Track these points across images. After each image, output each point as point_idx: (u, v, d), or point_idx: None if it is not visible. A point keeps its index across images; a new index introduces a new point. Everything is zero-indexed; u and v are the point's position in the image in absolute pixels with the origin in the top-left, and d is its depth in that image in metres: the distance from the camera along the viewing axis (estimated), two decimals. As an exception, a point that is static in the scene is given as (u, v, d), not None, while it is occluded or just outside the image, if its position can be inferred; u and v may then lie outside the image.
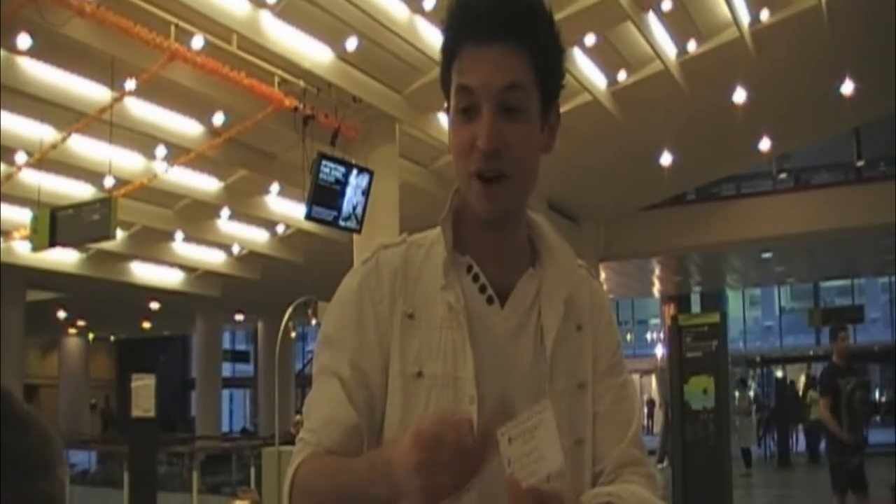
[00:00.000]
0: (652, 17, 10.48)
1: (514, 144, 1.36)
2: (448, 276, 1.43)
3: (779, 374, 28.51)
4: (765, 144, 14.18)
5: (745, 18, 10.90)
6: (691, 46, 11.33)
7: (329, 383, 1.43)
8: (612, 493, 1.39)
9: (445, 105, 1.46)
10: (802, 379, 26.92)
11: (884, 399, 27.67)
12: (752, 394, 25.20)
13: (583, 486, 1.43)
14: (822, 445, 12.13)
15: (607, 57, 11.22)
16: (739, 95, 11.48)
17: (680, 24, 10.95)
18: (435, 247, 1.47)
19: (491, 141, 1.34)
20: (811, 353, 27.57)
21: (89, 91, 9.95)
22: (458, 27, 1.39)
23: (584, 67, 11.03)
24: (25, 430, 0.97)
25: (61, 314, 24.23)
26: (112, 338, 32.39)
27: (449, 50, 1.41)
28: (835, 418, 8.21)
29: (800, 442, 20.71)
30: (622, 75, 11.62)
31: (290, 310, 11.28)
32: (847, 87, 11.75)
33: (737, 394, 21.70)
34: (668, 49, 11.20)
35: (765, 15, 10.99)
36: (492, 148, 1.35)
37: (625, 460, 1.46)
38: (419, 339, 1.43)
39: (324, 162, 10.02)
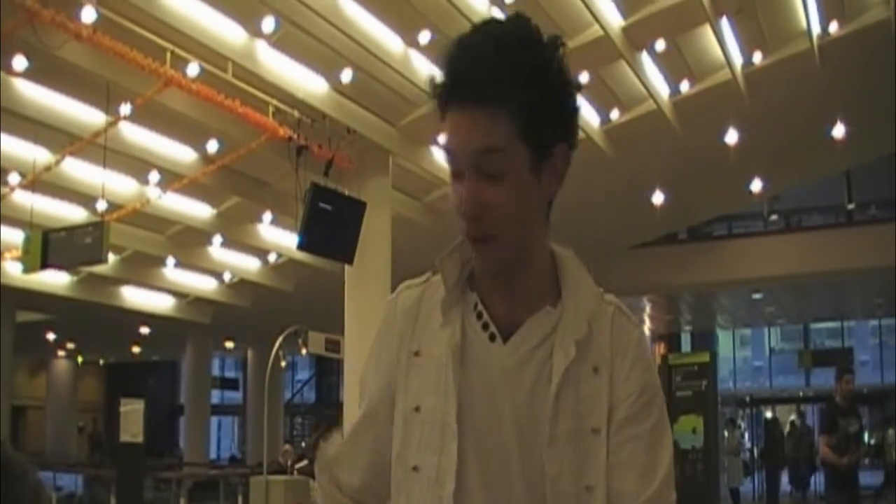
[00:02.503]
0: (645, 57, 10.57)
1: (496, 207, 1.36)
2: (448, 314, 1.45)
3: (768, 414, 28.45)
4: (756, 185, 14.26)
5: (737, 60, 11.01)
6: (684, 87, 11.42)
7: (358, 422, 1.58)
8: None
9: None
10: (792, 418, 26.91)
11: (872, 441, 27.64)
12: (741, 433, 25.13)
13: None
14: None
15: (600, 95, 11.30)
16: (731, 136, 11.55)
17: (673, 65, 11.05)
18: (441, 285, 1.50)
19: (471, 207, 1.36)
20: (801, 394, 27.55)
21: (84, 114, 9.99)
22: (441, 91, 1.39)
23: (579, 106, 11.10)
24: (18, 480, 1.00)
25: (50, 336, 24.15)
26: (101, 361, 32.25)
27: (440, 112, 1.40)
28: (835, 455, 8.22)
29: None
30: (615, 114, 11.70)
31: (280, 339, 11.28)
32: (838, 131, 11.85)
33: (726, 433, 21.64)
34: (661, 89, 11.29)
35: (757, 57, 11.10)
36: (472, 213, 1.36)
37: None
38: (421, 375, 1.45)
39: (317, 192, 10.04)
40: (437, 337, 1.45)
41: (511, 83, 1.34)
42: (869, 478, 19.91)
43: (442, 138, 1.39)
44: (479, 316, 1.46)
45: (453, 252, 1.47)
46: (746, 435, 26.80)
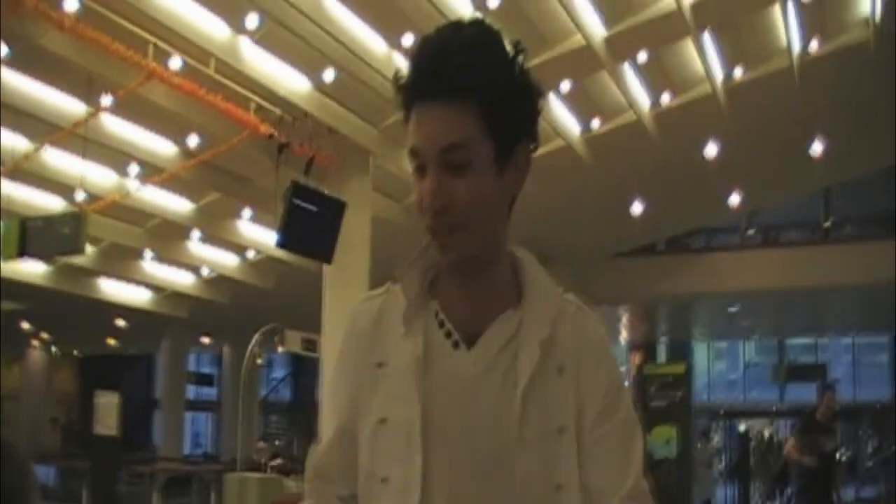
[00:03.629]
0: (627, 68, 10.64)
1: (461, 199, 1.38)
2: (410, 324, 1.45)
3: (742, 427, 28.59)
4: (735, 199, 14.35)
5: (718, 74, 11.08)
6: (665, 99, 11.50)
7: (333, 437, 1.56)
8: None
9: None
10: (766, 434, 27.03)
11: (846, 458, 27.84)
12: (714, 446, 25.25)
13: None
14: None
15: (582, 104, 11.36)
16: (711, 150, 11.63)
17: (654, 77, 11.12)
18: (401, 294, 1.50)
19: (435, 200, 1.38)
20: (774, 408, 27.68)
21: (65, 104, 9.97)
22: (408, 87, 1.42)
23: (559, 113, 11.16)
24: (7, 465, 1.04)
25: (25, 325, 24.00)
26: (76, 353, 32.05)
27: (404, 109, 1.44)
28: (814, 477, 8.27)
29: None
30: (596, 123, 11.76)
31: (257, 336, 11.29)
32: (817, 148, 11.93)
33: (699, 445, 21.73)
34: (642, 100, 11.36)
35: (738, 72, 11.18)
36: (437, 206, 1.38)
37: (632, 495, 1.46)
38: (387, 387, 1.46)
39: (296, 191, 10.04)
40: (400, 348, 1.46)
41: (477, 78, 1.37)
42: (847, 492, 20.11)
43: (409, 135, 1.42)
44: (441, 324, 1.47)
45: (414, 262, 1.49)
46: (720, 447, 26.93)
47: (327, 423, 1.60)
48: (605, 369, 1.51)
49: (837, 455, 8.62)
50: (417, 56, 1.42)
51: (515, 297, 1.49)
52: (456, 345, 1.46)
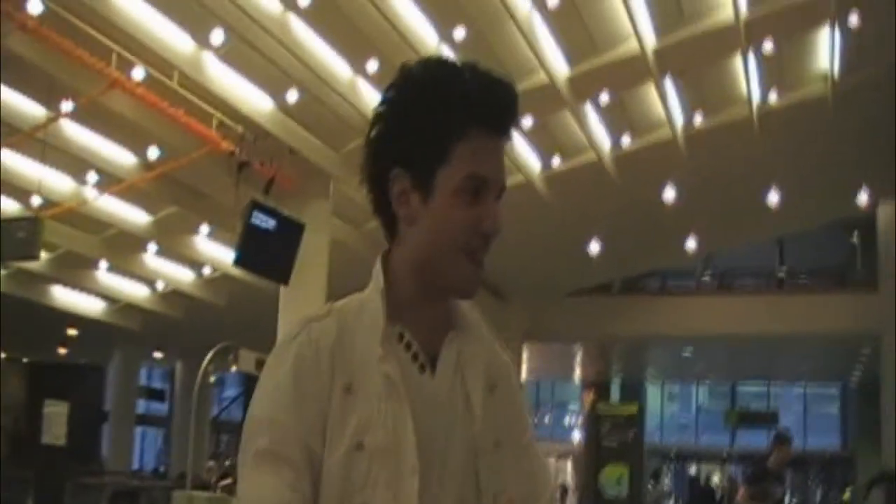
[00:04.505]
0: (589, 108, 10.76)
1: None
2: (385, 347, 1.43)
3: (692, 470, 28.72)
4: (691, 244, 14.50)
5: (678, 120, 11.24)
6: (625, 141, 11.63)
7: (275, 472, 1.38)
8: None
9: (398, 171, 1.41)
10: (716, 478, 27.15)
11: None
12: (664, 488, 25.34)
13: None
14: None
15: (543, 141, 11.46)
16: (669, 193, 11.77)
17: (616, 118, 11.27)
18: (362, 315, 1.47)
19: (498, 228, 1.41)
20: (725, 453, 27.86)
21: (25, 107, 9.90)
22: (469, 108, 1.40)
23: (520, 149, 11.25)
24: None
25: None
26: (25, 360, 31.57)
27: (450, 126, 1.40)
28: None
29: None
30: (556, 161, 11.86)
31: (210, 353, 11.18)
32: (773, 198, 12.11)
33: (650, 486, 21.82)
34: (603, 141, 11.49)
35: (698, 119, 11.36)
36: (499, 232, 1.42)
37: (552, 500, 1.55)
38: (358, 410, 1.42)
39: (256, 210, 10.03)
40: (369, 370, 1.43)
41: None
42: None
43: (468, 160, 1.39)
44: (408, 347, 1.47)
45: (386, 285, 1.47)
46: (670, 489, 27.02)
47: (263, 458, 1.41)
48: (522, 391, 1.62)
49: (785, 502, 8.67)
50: (476, 79, 1.42)
51: (448, 318, 1.52)
52: (422, 368, 1.47)
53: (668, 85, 10.53)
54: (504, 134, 1.42)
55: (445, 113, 1.39)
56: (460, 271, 1.42)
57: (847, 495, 26.08)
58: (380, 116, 1.44)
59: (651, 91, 10.48)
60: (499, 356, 1.57)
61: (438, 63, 1.44)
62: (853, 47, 10.28)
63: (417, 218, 1.42)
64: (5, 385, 30.31)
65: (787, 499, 23.93)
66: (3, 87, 9.61)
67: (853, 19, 9.52)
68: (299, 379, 1.42)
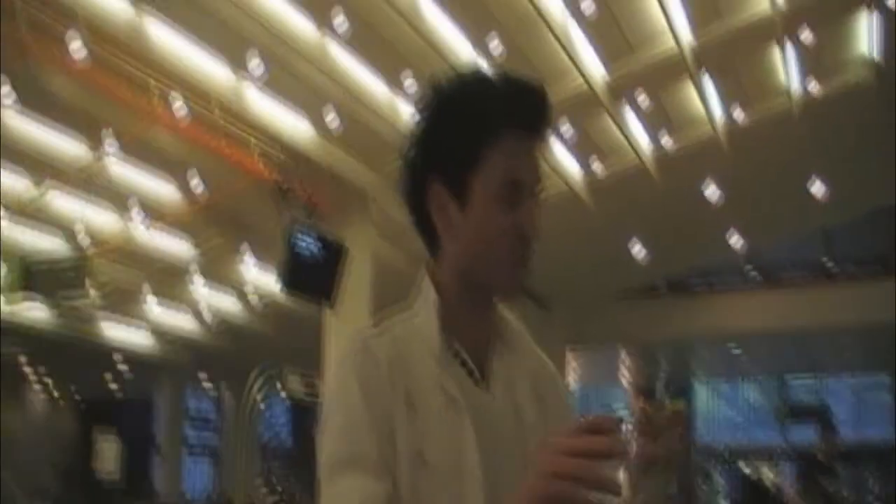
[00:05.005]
0: (627, 110, 10.70)
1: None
2: (443, 364, 1.43)
3: (744, 468, 28.39)
4: (735, 239, 14.38)
5: (718, 116, 11.15)
6: (665, 140, 11.56)
7: (358, 474, 1.37)
8: None
9: (435, 178, 1.41)
10: (770, 475, 26.82)
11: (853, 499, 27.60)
12: (716, 486, 25.12)
13: None
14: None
15: (583, 147, 11.41)
16: (711, 190, 11.69)
17: (655, 118, 11.19)
18: (414, 331, 1.46)
19: (536, 230, 1.39)
20: (778, 449, 27.54)
21: (69, 147, 10.00)
22: (501, 112, 1.39)
23: (561, 156, 11.20)
24: None
25: (26, 369, 23.89)
26: (76, 396, 31.86)
27: (483, 131, 1.39)
28: None
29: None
30: (597, 165, 11.80)
31: (259, 378, 11.24)
32: (817, 188, 11.97)
33: (702, 486, 21.59)
34: (643, 142, 11.42)
35: (738, 113, 11.25)
36: (536, 236, 1.40)
37: None
38: (420, 427, 1.41)
39: (299, 235, 10.06)
40: (430, 387, 1.43)
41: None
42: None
43: (503, 163, 1.38)
44: (463, 363, 1.46)
45: (437, 299, 1.46)
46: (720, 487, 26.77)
47: (353, 450, 1.40)
48: (568, 399, 1.59)
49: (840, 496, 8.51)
50: (507, 83, 1.41)
51: (493, 328, 1.50)
52: (477, 383, 1.45)
53: (706, 81, 10.44)
54: (537, 134, 1.41)
55: (476, 119, 1.39)
56: (504, 277, 1.41)
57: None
58: (413, 131, 1.43)
59: (689, 88, 10.42)
60: (545, 366, 1.56)
61: (466, 73, 1.44)
62: (893, 29, 10.14)
63: (457, 228, 1.41)
64: (58, 423, 30.65)
65: (842, 492, 23.72)
66: (47, 129, 9.74)
67: (891, 1, 9.40)
68: (366, 388, 1.41)
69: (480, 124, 1.39)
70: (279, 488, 21.88)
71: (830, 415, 23.45)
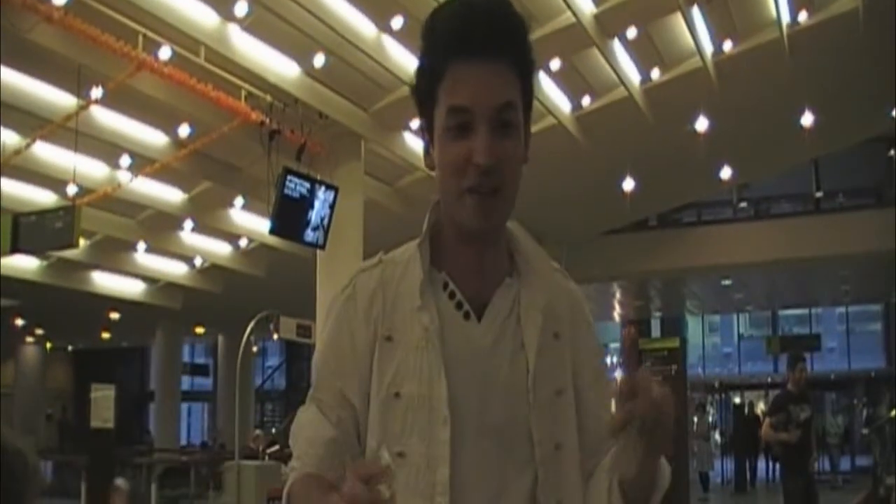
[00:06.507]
0: (616, 45, 10.61)
1: (507, 160, 1.39)
2: (423, 297, 1.44)
3: (737, 400, 28.75)
4: (726, 173, 14.37)
5: (708, 49, 11.07)
6: (655, 74, 11.48)
7: (308, 409, 1.49)
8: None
9: (420, 123, 1.46)
10: (761, 406, 27.17)
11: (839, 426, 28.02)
12: (710, 419, 25.43)
13: (568, 488, 1.45)
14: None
15: (572, 82, 11.34)
16: (702, 124, 11.64)
17: (644, 52, 11.10)
18: (411, 264, 1.47)
19: (490, 157, 1.36)
20: (769, 380, 27.87)
21: (54, 97, 9.89)
22: (445, 46, 1.39)
23: (549, 91, 11.13)
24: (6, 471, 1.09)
25: (18, 322, 23.93)
26: (70, 347, 31.96)
27: (432, 68, 1.41)
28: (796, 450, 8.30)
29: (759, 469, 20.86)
30: (586, 100, 11.74)
31: (251, 324, 11.25)
32: (807, 119, 11.94)
33: (695, 419, 21.83)
34: (632, 76, 11.34)
35: (728, 46, 11.18)
36: (490, 163, 1.36)
37: None
38: (397, 360, 1.43)
39: (289, 177, 10.03)
40: (410, 320, 1.44)
41: (521, 41, 1.41)
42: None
43: (447, 94, 1.38)
44: (452, 295, 1.47)
45: (426, 233, 1.49)
46: (714, 420, 27.09)
47: (317, 395, 1.51)
48: (593, 337, 1.59)
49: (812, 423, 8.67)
50: (452, 15, 1.40)
51: (509, 264, 1.52)
52: (467, 315, 1.46)
53: (696, 13, 10.34)
54: (487, 56, 1.37)
55: (430, 56, 1.41)
56: (465, 209, 1.40)
57: (894, 413, 26.04)
58: None
59: (679, 22, 10.30)
60: (572, 300, 1.56)
61: (437, 8, 1.44)
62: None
63: (434, 163, 1.44)
64: (52, 374, 30.82)
65: (828, 419, 24.05)
66: (32, 79, 9.61)
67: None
68: (340, 333, 1.48)
69: (433, 62, 1.41)
70: (273, 430, 22.05)
71: (821, 345, 23.73)
